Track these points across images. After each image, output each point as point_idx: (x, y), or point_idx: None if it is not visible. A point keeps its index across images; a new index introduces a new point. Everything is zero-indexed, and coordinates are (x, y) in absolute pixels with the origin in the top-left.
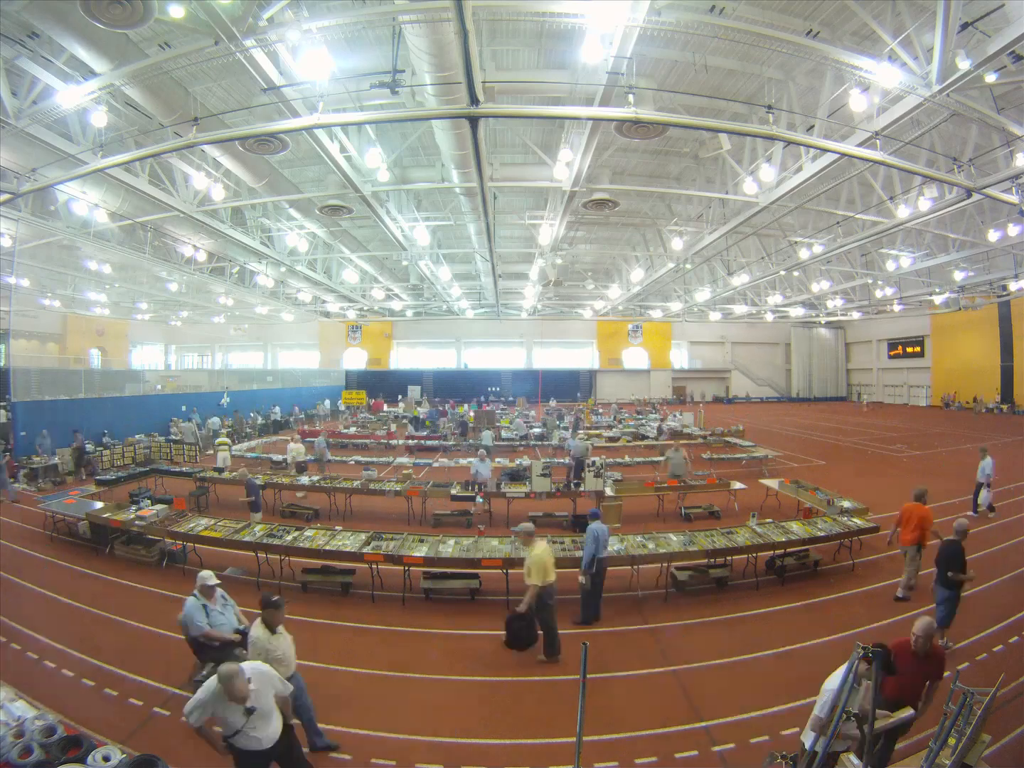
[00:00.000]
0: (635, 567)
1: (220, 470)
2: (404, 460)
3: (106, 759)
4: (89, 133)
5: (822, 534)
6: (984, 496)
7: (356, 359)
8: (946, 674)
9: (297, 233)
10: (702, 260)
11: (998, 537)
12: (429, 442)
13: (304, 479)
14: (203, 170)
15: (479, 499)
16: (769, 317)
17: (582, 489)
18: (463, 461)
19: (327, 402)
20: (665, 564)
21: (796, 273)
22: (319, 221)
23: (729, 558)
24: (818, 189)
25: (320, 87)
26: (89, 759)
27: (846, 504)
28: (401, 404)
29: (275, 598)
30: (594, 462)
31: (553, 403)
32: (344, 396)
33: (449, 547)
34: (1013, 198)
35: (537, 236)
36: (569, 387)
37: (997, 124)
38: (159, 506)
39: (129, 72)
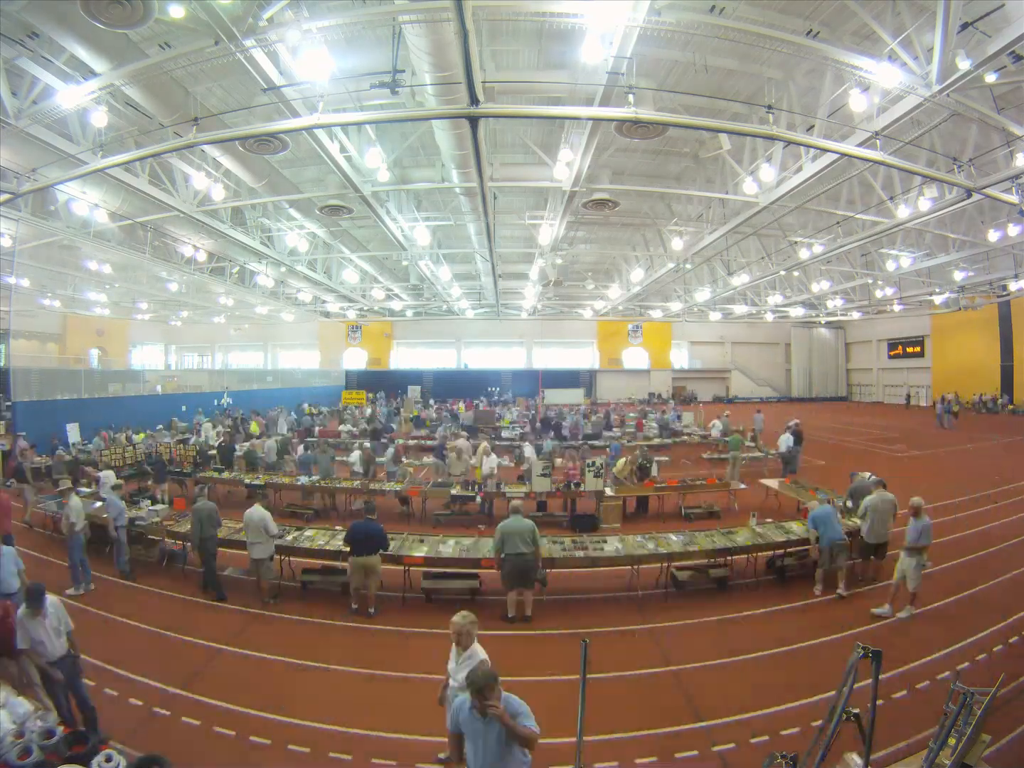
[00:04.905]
0: (635, 567)
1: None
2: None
3: (107, 759)
4: (89, 133)
5: None
6: None
7: (356, 359)
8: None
9: (297, 233)
10: (702, 260)
11: (998, 537)
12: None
13: (303, 479)
14: (203, 170)
15: (478, 499)
16: (769, 317)
17: (582, 489)
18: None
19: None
20: (665, 564)
21: (796, 273)
22: (319, 221)
23: (729, 558)
24: (818, 189)
25: (320, 87)
26: (92, 763)
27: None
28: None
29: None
30: (594, 462)
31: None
32: (344, 396)
33: (449, 547)
34: (1013, 198)
35: (537, 236)
36: (569, 387)
37: (997, 124)
38: (159, 506)
39: (129, 72)
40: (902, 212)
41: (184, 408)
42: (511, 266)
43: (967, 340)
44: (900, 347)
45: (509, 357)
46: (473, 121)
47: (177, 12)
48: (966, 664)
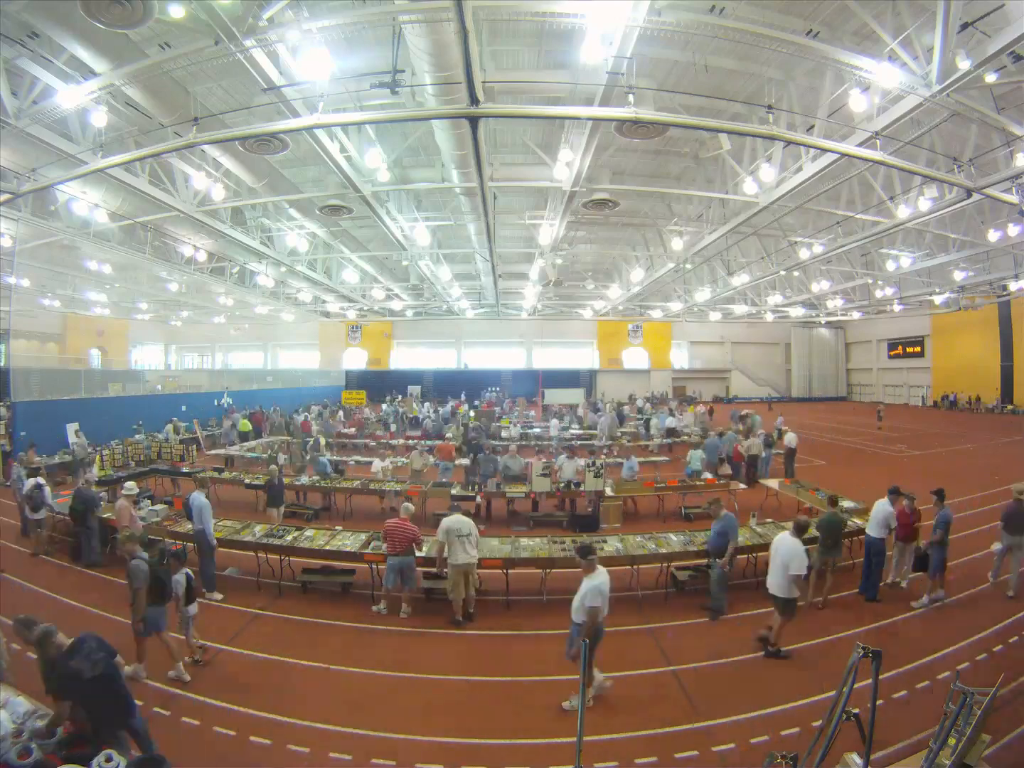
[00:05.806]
0: (635, 567)
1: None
2: (403, 460)
3: (107, 759)
4: (89, 133)
5: None
6: None
7: (356, 359)
8: (945, 674)
9: (297, 233)
10: (702, 260)
11: (998, 537)
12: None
13: (304, 479)
14: (203, 170)
15: (478, 499)
16: (769, 317)
17: (582, 489)
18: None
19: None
20: (665, 564)
21: (796, 273)
22: (319, 221)
23: None
24: (818, 189)
25: (320, 87)
26: (93, 763)
27: (846, 504)
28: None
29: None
30: (593, 462)
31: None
32: (344, 396)
33: None
34: (1013, 198)
35: (537, 236)
36: (569, 387)
37: (997, 124)
38: (159, 506)
39: (129, 72)
40: (902, 212)
41: (184, 408)
42: (511, 266)
43: (967, 340)
44: (900, 347)
45: (509, 357)
46: (473, 121)
47: (177, 12)
48: (966, 664)
